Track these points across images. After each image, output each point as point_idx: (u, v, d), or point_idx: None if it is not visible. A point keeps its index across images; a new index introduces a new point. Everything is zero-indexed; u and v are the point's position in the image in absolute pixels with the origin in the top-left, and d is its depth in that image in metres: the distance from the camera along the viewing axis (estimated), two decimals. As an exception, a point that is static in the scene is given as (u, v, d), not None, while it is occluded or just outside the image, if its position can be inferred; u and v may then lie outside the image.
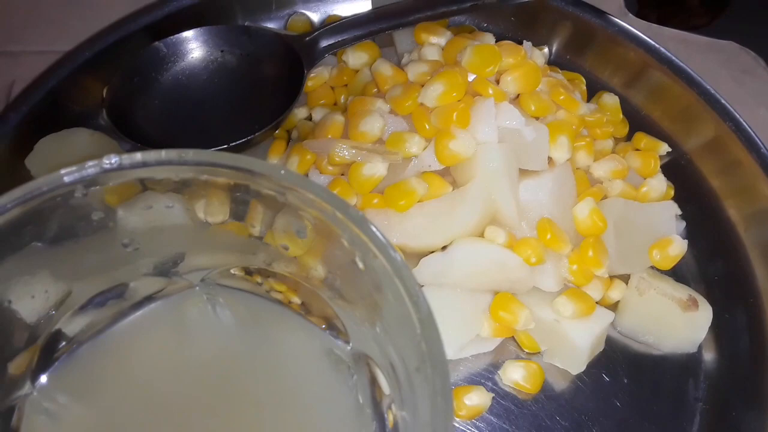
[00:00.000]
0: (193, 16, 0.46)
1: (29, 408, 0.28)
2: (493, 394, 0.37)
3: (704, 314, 0.38)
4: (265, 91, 0.43)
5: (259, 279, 0.29)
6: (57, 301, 0.26)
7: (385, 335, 0.24)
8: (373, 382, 0.28)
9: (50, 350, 0.28)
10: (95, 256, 0.25)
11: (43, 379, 0.28)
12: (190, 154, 0.22)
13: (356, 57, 0.44)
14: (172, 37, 0.43)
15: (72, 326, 0.29)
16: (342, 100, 0.44)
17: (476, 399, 0.36)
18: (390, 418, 0.28)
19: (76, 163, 0.22)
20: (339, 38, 0.43)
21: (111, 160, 0.22)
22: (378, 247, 0.21)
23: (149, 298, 0.30)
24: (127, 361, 0.30)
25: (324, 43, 0.43)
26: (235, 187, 0.23)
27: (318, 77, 0.44)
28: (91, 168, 0.22)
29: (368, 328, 0.26)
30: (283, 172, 0.22)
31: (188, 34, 0.43)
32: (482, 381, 0.38)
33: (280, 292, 0.29)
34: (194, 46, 0.44)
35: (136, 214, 0.24)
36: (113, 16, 0.46)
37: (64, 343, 0.29)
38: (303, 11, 0.50)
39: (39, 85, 0.44)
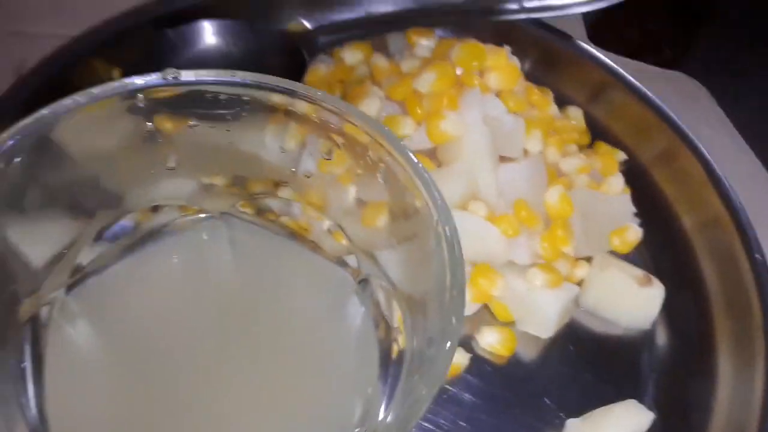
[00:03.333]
0: (201, 13, 0.49)
1: (53, 323, 0.30)
2: (471, 355, 0.40)
3: (657, 291, 0.43)
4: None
5: (273, 217, 0.32)
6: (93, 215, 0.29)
7: (405, 259, 0.27)
8: (380, 316, 0.31)
9: (76, 271, 0.31)
10: (139, 171, 0.28)
11: (67, 298, 0.30)
12: (239, 73, 0.26)
13: (352, 55, 0.48)
14: (182, 26, 0.47)
15: (90, 253, 0.31)
16: (338, 95, 0.48)
17: (455, 357, 0.40)
18: (395, 350, 0.30)
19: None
20: (337, 36, 0.48)
21: (171, 75, 0.25)
22: (400, 154, 0.24)
23: (165, 229, 0.32)
24: (141, 291, 0.32)
25: (324, 39, 0.48)
26: (276, 108, 0.27)
27: (316, 71, 0.48)
28: (155, 78, 0.25)
29: (385, 254, 0.29)
30: (320, 93, 0.26)
31: (198, 24, 0.47)
32: (460, 344, 0.41)
33: (292, 228, 0.32)
34: (203, 38, 0.48)
35: (182, 131, 0.27)
36: (124, 6, 0.49)
37: (84, 267, 0.31)
38: (301, 19, 0.54)
39: (50, 64, 0.47)
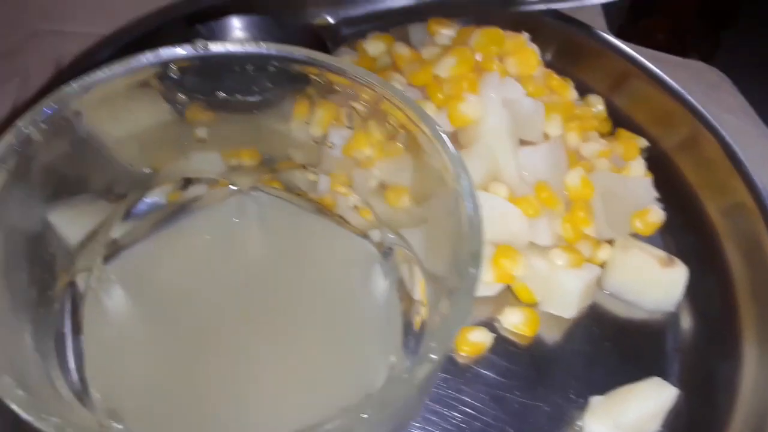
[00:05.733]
0: (229, 9, 0.51)
1: (90, 293, 0.31)
2: (495, 335, 0.41)
3: (681, 272, 0.43)
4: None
5: (300, 192, 0.34)
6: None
7: (428, 237, 0.28)
8: (403, 288, 0.32)
9: (110, 245, 0.32)
10: (170, 143, 0.29)
11: (104, 267, 0.31)
12: (264, 44, 0.27)
13: (375, 46, 0.49)
14: (212, 22, 0.49)
15: (122, 228, 0.32)
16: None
17: (479, 336, 0.40)
18: (417, 321, 0.31)
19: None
20: (360, 28, 0.49)
21: (200, 46, 0.26)
22: (418, 115, 0.25)
23: (195, 204, 0.33)
24: (173, 263, 0.33)
25: (347, 31, 0.49)
26: (300, 79, 0.28)
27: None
28: (186, 49, 0.26)
29: (409, 231, 0.30)
30: (342, 63, 0.27)
31: (227, 20, 0.49)
32: (484, 324, 0.41)
33: (319, 204, 0.33)
34: (232, 33, 0.49)
35: (212, 103, 0.28)
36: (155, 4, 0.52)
37: (118, 240, 0.32)
38: (324, 14, 0.55)
39: (86, 60, 0.49)
